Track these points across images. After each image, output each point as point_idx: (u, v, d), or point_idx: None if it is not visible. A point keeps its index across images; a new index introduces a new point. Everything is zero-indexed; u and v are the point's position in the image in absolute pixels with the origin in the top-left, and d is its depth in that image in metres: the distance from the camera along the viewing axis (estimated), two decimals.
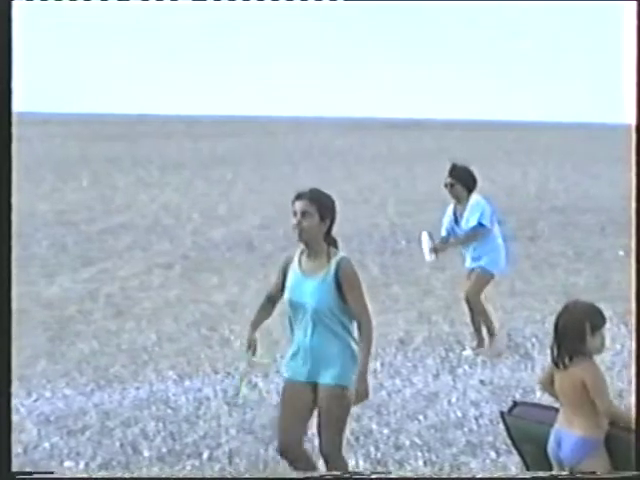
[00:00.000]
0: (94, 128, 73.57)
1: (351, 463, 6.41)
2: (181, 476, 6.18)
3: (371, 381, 8.27)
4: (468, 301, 9.37)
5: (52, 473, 5.86)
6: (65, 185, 26.57)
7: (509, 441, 5.24)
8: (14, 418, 7.23)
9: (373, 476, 5.81)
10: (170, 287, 12.47)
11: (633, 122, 4.56)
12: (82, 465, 6.33)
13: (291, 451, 5.38)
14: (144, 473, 6.23)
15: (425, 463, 6.45)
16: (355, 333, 5.30)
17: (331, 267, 5.19)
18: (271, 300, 5.76)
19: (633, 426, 4.58)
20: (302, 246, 5.37)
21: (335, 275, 5.16)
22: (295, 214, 5.28)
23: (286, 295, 5.41)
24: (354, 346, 5.24)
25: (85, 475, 6.10)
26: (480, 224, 9.18)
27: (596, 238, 16.87)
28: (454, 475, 6.29)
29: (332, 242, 5.34)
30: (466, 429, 7.08)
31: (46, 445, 6.69)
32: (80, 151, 43.46)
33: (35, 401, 7.75)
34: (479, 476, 6.23)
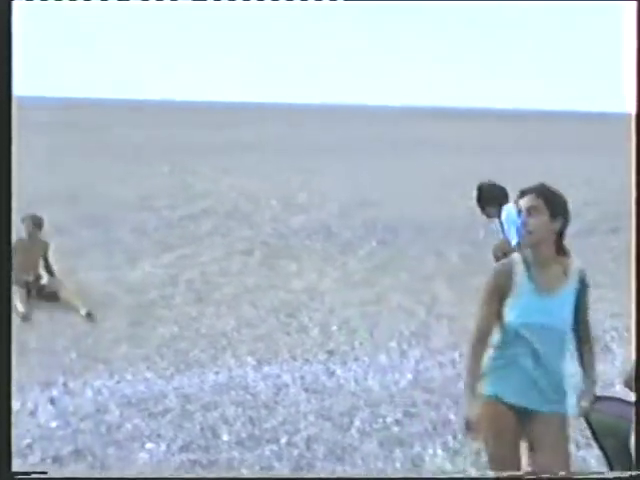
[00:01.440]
0: (177, 115, 74.29)
1: (429, 452, 6.46)
2: (185, 475, 6.21)
3: (450, 371, 8.33)
4: None
5: (45, 473, 5.94)
6: (147, 171, 26.88)
7: (589, 435, 5.19)
8: (97, 399, 7.42)
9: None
10: (249, 273, 12.57)
11: (633, 111, 4.52)
12: (163, 447, 6.43)
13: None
14: (218, 459, 6.32)
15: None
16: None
17: (571, 280, 4.40)
18: (484, 337, 4.49)
19: None
20: (518, 255, 4.48)
21: (578, 289, 4.41)
22: (519, 213, 4.42)
23: (513, 316, 4.38)
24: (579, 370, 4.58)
25: (85, 475, 6.17)
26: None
27: None
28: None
29: (562, 248, 4.44)
30: None
31: (128, 426, 6.81)
32: (163, 138, 43.93)
33: (117, 383, 7.88)
34: (478, 476, 6.21)
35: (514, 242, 8.69)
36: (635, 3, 4.43)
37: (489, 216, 9.21)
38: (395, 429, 6.87)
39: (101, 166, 27.85)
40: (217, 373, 8.23)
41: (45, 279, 10.94)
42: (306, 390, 7.75)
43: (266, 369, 8.38)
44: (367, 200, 20.03)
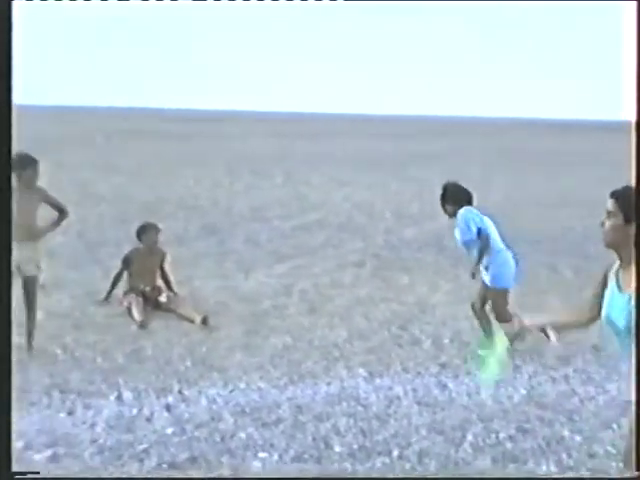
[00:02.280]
0: (290, 126, 74.81)
1: (542, 469, 6.38)
2: (185, 476, 6.22)
3: (563, 387, 8.21)
4: (474, 309, 9.64)
5: (38, 473, 6.00)
6: (260, 182, 27.18)
7: None
8: (212, 407, 7.53)
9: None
10: (361, 285, 12.60)
11: (633, 119, 4.42)
12: (276, 456, 6.49)
13: None
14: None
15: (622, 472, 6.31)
16: None
17: None
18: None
19: None
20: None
21: None
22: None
23: (605, 309, 4.60)
24: None
25: (85, 475, 6.22)
26: (464, 239, 9.45)
27: None
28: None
29: None
30: None
31: (242, 435, 6.90)
32: (276, 149, 44.34)
33: (231, 392, 7.99)
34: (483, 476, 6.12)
35: (460, 241, 9.54)
36: (635, 3, 4.40)
37: (449, 215, 9.77)
38: (508, 445, 6.80)
39: (214, 177, 28.26)
40: (329, 384, 8.27)
41: (164, 296, 11.10)
42: (418, 403, 7.73)
43: (378, 381, 8.38)
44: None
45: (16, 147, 4.10)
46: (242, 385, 8.18)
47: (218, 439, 6.82)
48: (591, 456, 6.62)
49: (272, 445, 6.72)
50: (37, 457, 6.45)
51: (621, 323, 4.45)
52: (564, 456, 6.59)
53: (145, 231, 11.28)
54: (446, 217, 9.93)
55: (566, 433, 7.03)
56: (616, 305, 4.49)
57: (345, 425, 7.15)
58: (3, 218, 1.88)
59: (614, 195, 4.45)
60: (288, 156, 39.00)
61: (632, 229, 4.32)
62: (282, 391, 8.04)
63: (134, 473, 6.25)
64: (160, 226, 11.56)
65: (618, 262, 4.53)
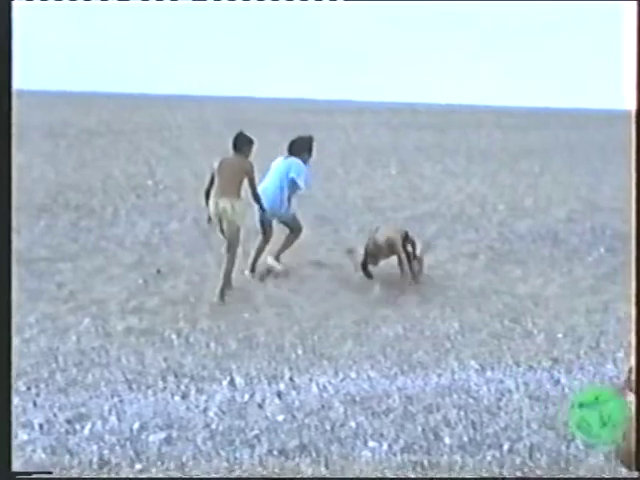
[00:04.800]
0: (404, 117, 74.57)
1: None
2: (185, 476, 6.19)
3: None
4: None
5: (50, 473, 6.04)
6: (374, 172, 27.16)
7: None
8: (322, 396, 7.58)
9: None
10: (474, 277, 12.51)
11: (634, 108, 4.35)
12: (385, 446, 6.51)
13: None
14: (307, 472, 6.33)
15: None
16: None
17: None
18: None
19: None
20: None
21: None
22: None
23: None
24: None
25: (85, 475, 6.24)
26: None
27: None
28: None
29: None
30: None
31: (352, 424, 6.94)
32: (390, 140, 44.26)
33: (342, 381, 8.03)
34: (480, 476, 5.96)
35: None
36: (635, 3, 4.31)
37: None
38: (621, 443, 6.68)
39: (328, 167, 28.36)
40: (440, 375, 8.26)
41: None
42: (529, 397, 7.67)
43: (489, 374, 8.33)
44: (595, 205, 19.55)
45: (129, 135, 4.19)
46: (353, 374, 8.23)
47: (328, 427, 6.87)
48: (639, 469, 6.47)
49: (382, 435, 6.74)
50: (152, 438, 6.61)
51: None
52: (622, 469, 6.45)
53: (240, 141, 11.23)
54: (560, 210, 9.79)
55: None
56: None
57: (455, 417, 7.13)
58: (4, 215, 1.93)
59: None
60: (401, 147, 38.87)
61: None
62: (392, 381, 8.06)
63: (245, 458, 6.35)
64: None
65: None
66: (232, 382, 7.92)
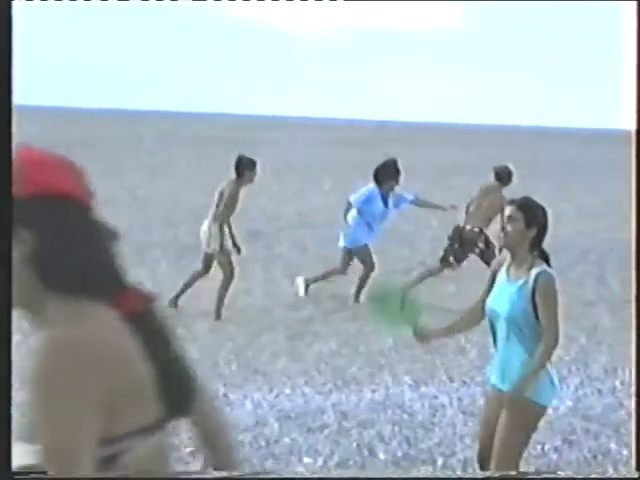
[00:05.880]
0: (338, 134, 74.87)
1: None
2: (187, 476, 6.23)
3: (610, 399, 8.14)
4: None
5: (45, 473, 6.02)
6: (308, 188, 27.22)
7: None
8: (257, 412, 7.55)
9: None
10: (408, 292, 12.55)
11: (633, 127, 4.46)
12: (320, 462, 6.49)
13: (481, 455, 5.45)
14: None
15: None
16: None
17: (530, 277, 5.04)
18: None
19: None
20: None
21: (533, 286, 5.01)
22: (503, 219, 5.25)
23: (488, 300, 5.33)
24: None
25: (86, 475, 6.23)
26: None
27: None
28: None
29: (542, 255, 5.16)
30: None
31: (286, 440, 6.91)
32: (324, 156, 44.39)
33: (276, 397, 8.00)
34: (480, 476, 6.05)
35: None
36: (635, 3, 4.39)
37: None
38: (554, 456, 6.75)
39: (262, 183, 28.33)
40: (374, 391, 8.27)
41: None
42: (463, 412, 7.71)
43: (423, 389, 8.36)
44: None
45: (62, 149, 4.14)
46: (287, 390, 8.20)
47: (262, 444, 6.84)
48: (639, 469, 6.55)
49: (316, 451, 6.73)
50: None
51: (504, 309, 5.10)
52: (610, 469, 6.53)
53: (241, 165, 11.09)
54: (496, 225, 9.91)
55: (613, 446, 6.96)
56: (502, 295, 5.16)
57: (389, 433, 7.14)
58: (4, 216, 1.88)
59: (515, 203, 5.17)
60: (335, 163, 39.02)
61: (531, 232, 5.09)
62: (327, 397, 8.05)
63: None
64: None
65: (510, 259, 5.22)
66: None
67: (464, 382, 8.61)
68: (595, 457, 6.73)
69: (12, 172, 2.07)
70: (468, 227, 12.68)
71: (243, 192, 11.44)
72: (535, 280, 5.02)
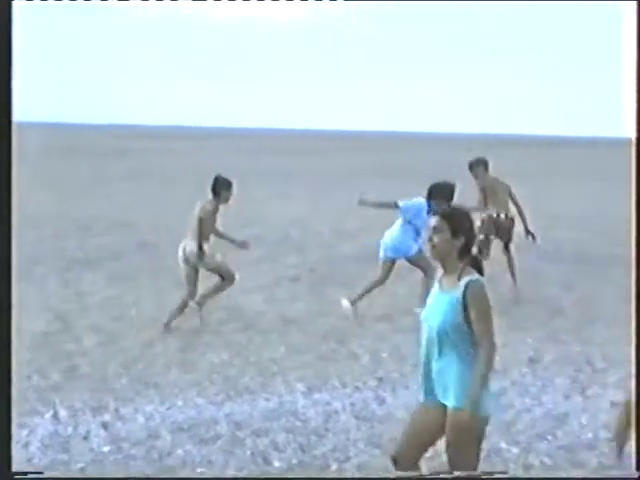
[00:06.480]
0: (238, 142, 74.65)
1: None
2: (185, 475, 6.23)
3: (501, 399, 8.26)
4: None
5: (42, 473, 6.00)
6: (199, 197, 27.06)
7: None
8: (149, 425, 7.46)
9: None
10: (299, 300, 12.58)
11: (633, 135, 4.57)
12: (214, 473, 6.45)
13: (403, 465, 5.39)
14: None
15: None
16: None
17: (460, 287, 4.98)
18: None
19: None
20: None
21: (463, 296, 4.96)
22: (428, 230, 5.19)
23: (422, 312, 5.29)
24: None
25: (85, 475, 6.20)
26: None
27: None
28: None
29: (473, 262, 5.13)
30: (597, 451, 6.97)
31: (180, 452, 6.85)
32: (218, 164, 44.21)
33: (168, 409, 7.92)
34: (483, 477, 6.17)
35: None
36: (635, 3, 4.44)
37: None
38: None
39: (152, 193, 28.12)
40: (267, 400, 8.25)
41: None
42: (356, 417, 7.74)
43: (316, 396, 8.38)
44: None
45: None
46: (179, 402, 8.13)
47: (156, 456, 6.76)
48: (527, 467, 6.68)
49: (210, 461, 6.69)
50: None
51: (437, 321, 5.04)
52: (501, 468, 6.63)
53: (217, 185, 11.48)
54: (383, 232, 10.01)
55: (503, 445, 7.08)
56: (435, 307, 5.11)
57: (284, 440, 7.14)
58: (4, 218, 1.85)
59: (440, 213, 5.17)
60: (234, 171, 38.92)
61: (458, 242, 5.07)
62: (220, 407, 8.00)
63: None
64: (95, 242, 11.47)
65: (442, 271, 5.18)
66: (55, 415, 7.70)
67: (357, 387, 8.65)
68: (488, 455, 6.82)
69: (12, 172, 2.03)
70: (502, 215, 13.04)
71: (133, 203, 11.33)
72: (464, 290, 4.97)
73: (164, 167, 40.41)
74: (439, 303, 5.10)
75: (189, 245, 11.03)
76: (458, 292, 4.99)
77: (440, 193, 11.36)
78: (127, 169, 37.10)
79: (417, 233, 11.67)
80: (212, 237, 11.24)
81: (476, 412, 4.97)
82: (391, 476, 5.46)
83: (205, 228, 11.11)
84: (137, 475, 6.40)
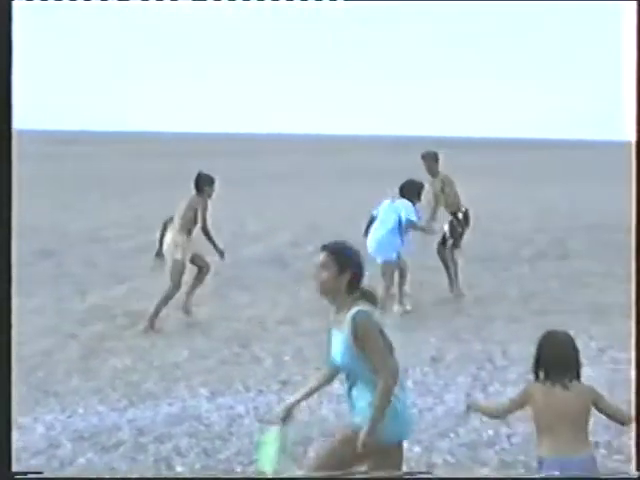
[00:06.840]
0: (143, 146, 73.99)
1: None
2: (184, 476, 6.21)
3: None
4: None
5: (42, 473, 5.94)
6: (103, 203, 26.76)
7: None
8: (50, 434, 7.34)
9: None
10: (201, 304, 12.52)
11: (633, 138, 4.65)
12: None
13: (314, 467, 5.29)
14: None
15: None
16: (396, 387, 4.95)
17: (348, 321, 4.89)
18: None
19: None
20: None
21: (351, 330, 4.86)
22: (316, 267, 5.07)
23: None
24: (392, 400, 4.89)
25: (84, 475, 6.15)
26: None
27: (627, 257, 16.65)
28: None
29: (364, 294, 5.03)
30: (498, 448, 7.08)
31: (81, 460, 6.76)
32: (110, 169, 43.72)
33: (69, 417, 7.81)
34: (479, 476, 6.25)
35: None
36: (635, 3, 4.46)
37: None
38: (433, 457, 6.89)
39: (53, 198, 27.71)
40: (170, 404, 8.19)
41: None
42: (260, 421, 7.73)
43: (220, 400, 8.35)
44: (318, 227, 20.02)
45: None
46: (80, 410, 8.02)
47: (56, 465, 6.66)
48: (430, 466, 6.75)
49: (113, 469, 6.62)
50: None
51: (339, 359, 5.00)
52: (403, 467, 6.68)
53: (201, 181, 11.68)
54: (286, 235, 10.02)
55: (405, 444, 7.13)
56: (335, 345, 5.03)
57: (187, 445, 7.10)
58: (4, 221, 1.81)
59: (326, 249, 5.06)
60: (138, 177, 38.55)
61: (345, 276, 4.95)
62: (122, 414, 7.92)
63: None
64: None
65: (335, 308, 5.07)
66: None
67: (260, 391, 8.64)
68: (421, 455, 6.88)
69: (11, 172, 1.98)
70: (465, 209, 13.33)
71: (33, 208, 11.17)
72: (351, 323, 4.86)
73: (70, 171, 39.90)
74: (337, 343, 5.01)
75: (176, 237, 11.33)
76: (347, 327, 4.89)
77: (410, 191, 12.15)
78: (28, 174, 36.42)
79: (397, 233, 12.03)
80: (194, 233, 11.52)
81: (381, 441, 4.89)
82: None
83: (191, 222, 11.39)
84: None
